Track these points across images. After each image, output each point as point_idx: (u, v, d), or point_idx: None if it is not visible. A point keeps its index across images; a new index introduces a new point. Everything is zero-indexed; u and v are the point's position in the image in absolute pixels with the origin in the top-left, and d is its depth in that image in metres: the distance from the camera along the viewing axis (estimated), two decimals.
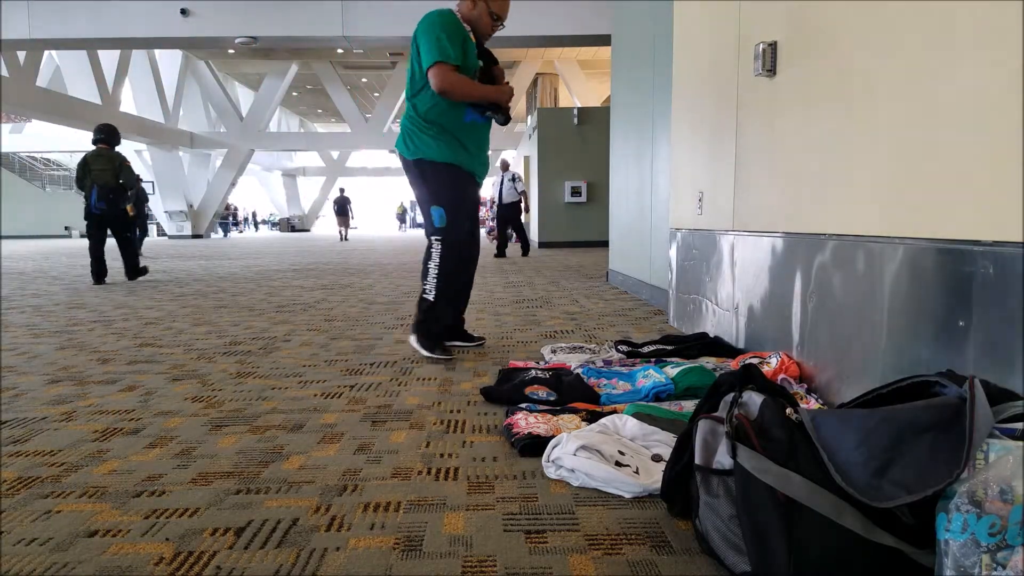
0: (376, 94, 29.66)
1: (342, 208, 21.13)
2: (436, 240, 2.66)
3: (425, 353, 2.72)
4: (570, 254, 10.16)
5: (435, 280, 2.65)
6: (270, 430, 1.82)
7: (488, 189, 12.94)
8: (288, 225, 34.63)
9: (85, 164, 6.41)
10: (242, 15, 12.46)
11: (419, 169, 2.64)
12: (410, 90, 2.63)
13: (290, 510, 1.32)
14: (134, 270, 6.69)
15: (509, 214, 10.48)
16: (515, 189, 10.23)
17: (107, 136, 6.57)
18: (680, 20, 3.39)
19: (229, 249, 14.36)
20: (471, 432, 1.80)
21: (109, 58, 20.10)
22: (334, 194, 23.67)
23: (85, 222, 6.51)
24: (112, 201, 6.42)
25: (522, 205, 10.60)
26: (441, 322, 2.75)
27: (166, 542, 1.19)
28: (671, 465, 1.26)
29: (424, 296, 2.68)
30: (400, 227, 37.34)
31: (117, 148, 6.64)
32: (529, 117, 16.28)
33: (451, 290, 2.72)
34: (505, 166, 10.63)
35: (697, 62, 3.15)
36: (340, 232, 20.84)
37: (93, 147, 6.53)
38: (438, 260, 2.64)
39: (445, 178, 2.63)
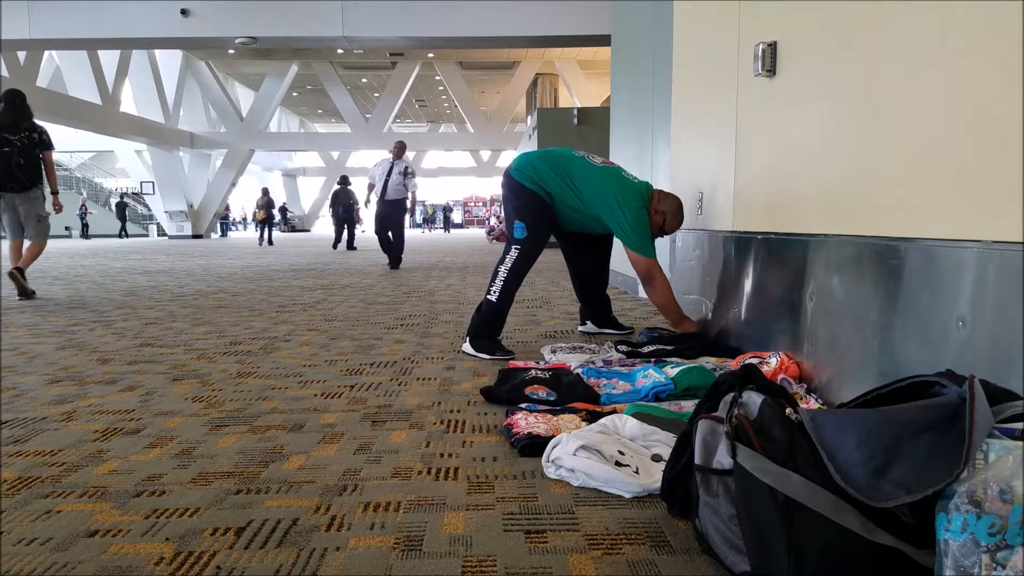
0: (376, 94, 29.66)
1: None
2: (515, 248, 2.87)
3: (485, 356, 2.75)
4: None
5: (501, 283, 2.85)
6: (270, 430, 1.82)
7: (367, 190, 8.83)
8: (288, 225, 34.69)
9: (336, 195, 13.35)
10: (242, 15, 12.46)
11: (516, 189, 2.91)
12: (566, 181, 2.85)
13: (290, 510, 1.32)
14: (350, 244, 13.03)
15: (392, 214, 7.93)
16: (404, 185, 7.89)
17: (346, 180, 13.58)
18: (680, 20, 3.40)
19: (229, 249, 14.37)
20: (471, 432, 1.80)
21: (109, 58, 20.09)
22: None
23: (334, 220, 13.55)
24: (348, 212, 13.13)
25: (407, 204, 8.14)
26: (500, 324, 2.91)
27: (166, 542, 1.19)
28: (671, 465, 1.26)
29: (487, 298, 2.86)
30: (424, 229, 37.02)
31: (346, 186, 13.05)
32: (529, 117, 16.27)
33: (512, 296, 2.89)
34: (399, 151, 8.06)
35: (697, 62, 3.15)
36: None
37: (339, 186, 13.43)
38: (509, 264, 2.86)
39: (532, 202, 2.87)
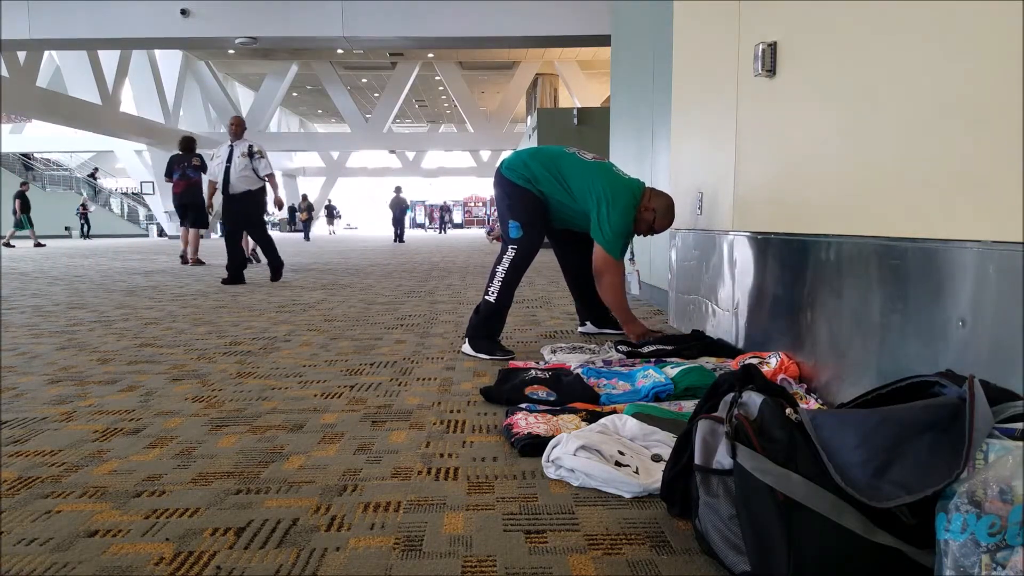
0: (376, 94, 29.68)
1: (330, 212, 30.66)
2: (512, 247, 2.86)
3: (484, 356, 2.74)
4: None
5: (499, 284, 2.85)
6: (270, 430, 1.82)
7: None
8: (288, 225, 34.81)
9: (393, 201, 19.47)
10: (242, 15, 12.47)
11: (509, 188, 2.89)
12: (557, 178, 2.83)
13: (290, 510, 1.32)
14: (400, 239, 17.52)
15: (242, 211, 6.15)
16: (254, 170, 6.08)
17: (399, 189, 19.59)
18: (680, 20, 3.40)
19: None
20: (471, 432, 1.80)
21: (109, 58, 20.10)
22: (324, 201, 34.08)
23: (392, 221, 19.50)
24: (402, 214, 19.35)
25: (272, 197, 6.39)
26: (500, 325, 2.91)
27: (166, 542, 1.19)
28: (671, 465, 1.26)
29: (486, 299, 2.86)
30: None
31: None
32: (529, 117, 16.27)
33: (511, 296, 2.89)
34: (237, 129, 6.26)
35: (697, 62, 3.15)
36: (330, 230, 30.13)
37: (394, 194, 19.45)
38: (507, 264, 2.85)
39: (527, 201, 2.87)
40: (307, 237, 21.30)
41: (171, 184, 8.95)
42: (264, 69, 25.02)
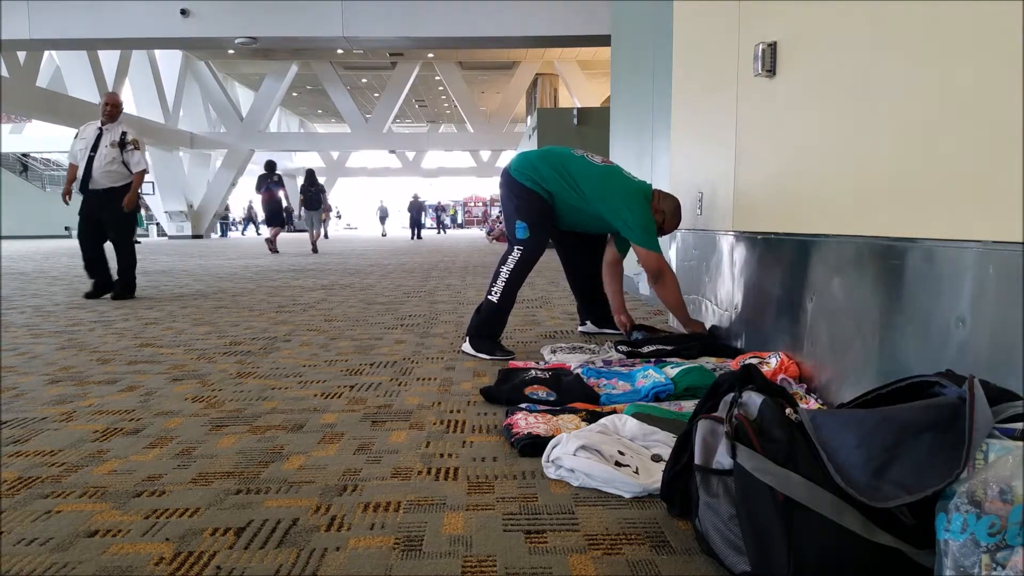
0: (376, 94, 29.65)
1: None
2: (517, 248, 2.86)
3: (484, 356, 2.75)
4: None
5: (503, 284, 2.84)
6: (270, 430, 1.82)
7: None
8: (292, 226, 34.93)
9: (410, 203, 22.78)
10: (242, 15, 12.47)
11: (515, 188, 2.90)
12: (567, 180, 2.83)
13: (290, 510, 1.32)
14: (418, 236, 21.78)
15: (107, 208, 4.95)
16: (124, 162, 4.94)
17: (416, 196, 23.54)
18: (680, 20, 3.40)
19: (229, 249, 14.37)
20: (471, 432, 1.80)
21: (109, 58, 20.09)
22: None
23: (409, 222, 23.28)
24: (418, 215, 22.73)
25: (138, 192, 5.15)
26: (501, 325, 2.91)
27: (166, 542, 1.19)
28: (671, 465, 1.26)
29: (488, 298, 2.85)
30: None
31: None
32: (529, 117, 16.27)
33: (514, 296, 2.89)
34: (111, 110, 5.04)
35: (697, 62, 3.15)
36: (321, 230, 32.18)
37: (411, 199, 23.66)
38: (512, 265, 2.84)
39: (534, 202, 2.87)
40: (326, 235, 21.89)
41: (259, 195, 12.20)
42: (264, 69, 24.98)
